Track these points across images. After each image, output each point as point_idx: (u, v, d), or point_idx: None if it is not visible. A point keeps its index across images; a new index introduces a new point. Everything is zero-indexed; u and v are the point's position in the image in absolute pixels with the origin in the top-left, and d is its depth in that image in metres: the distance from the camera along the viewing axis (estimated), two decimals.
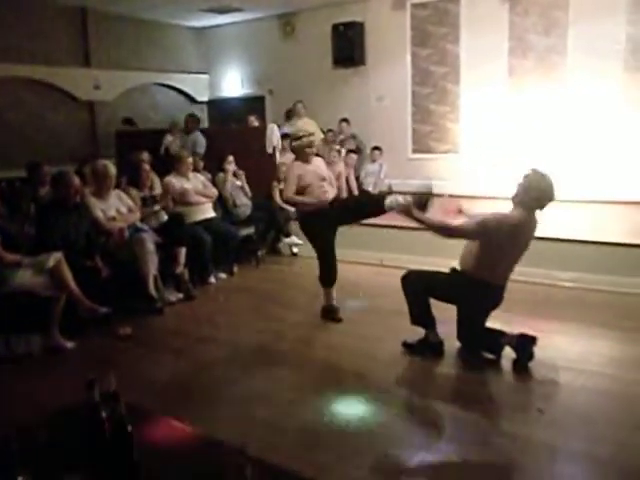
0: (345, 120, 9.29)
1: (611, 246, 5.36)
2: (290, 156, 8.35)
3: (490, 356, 3.85)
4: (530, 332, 3.73)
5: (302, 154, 4.81)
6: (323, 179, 4.80)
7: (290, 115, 8.95)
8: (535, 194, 3.62)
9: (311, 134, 4.89)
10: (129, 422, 1.69)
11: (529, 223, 3.70)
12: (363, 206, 4.92)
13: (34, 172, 5.71)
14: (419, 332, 3.98)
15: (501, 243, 3.62)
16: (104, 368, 3.61)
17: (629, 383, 3.46)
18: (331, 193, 4.85)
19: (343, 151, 8.59)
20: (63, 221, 4.53)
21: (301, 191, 4.70)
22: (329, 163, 7.98)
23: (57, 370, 3.93)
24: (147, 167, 5.77)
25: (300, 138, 4.81)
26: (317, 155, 7.97)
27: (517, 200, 3.70)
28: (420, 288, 3.88)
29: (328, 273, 4.76)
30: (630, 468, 2.65)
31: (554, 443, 2.87)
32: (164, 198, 5.74)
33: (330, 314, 4.77)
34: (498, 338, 3.79)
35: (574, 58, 7.79)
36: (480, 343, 3.92)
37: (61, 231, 4.47)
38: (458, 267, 3.89)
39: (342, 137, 9.06)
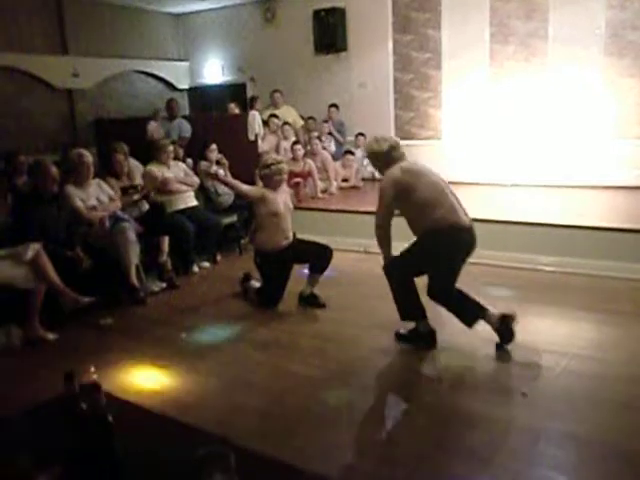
0: (334, 105, 9.20)
1: (593, 230, 5.39)
2: (272, 139, 8.32)
3: (462, 325, 3.78)
4: (508, 312, 3.71)
5: (271, 182, 4.73)
6: (288, 211, 4.81)
7: (253, 103, 8.82)
8: (382, 156, 3.91)
9: (280, 162, 4.77)
10: (110, 412, 1.68)
11: (412, 166, 3.91)
12: (316, 252, 4.80)
13: (11, 162, 5.62)
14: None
15: (407, 188, 3.76)
16: (85, 359, 3.58)
17: (610, 365, 3.50)
18: (290, 238, 4.81)
19: (323, 139, 8.56)
20: (41, 211, 4.46)
21: (266, 218, 4.67)
22: (314, 154, 7.95)
23: (38, 362, 3.88)
24: (120, 157, 5.67)
25: (269, 166, 4.70)
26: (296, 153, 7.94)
27: (382, 169, 3.96)
28: (402, 272, 3.83)
29: (273, 294, 4.74)
30: (612, 448, 2.68)
31: (537, 425, 2.90)
32: (145, 187, 5.67)
33: None
34: (475, 310, 3.74)
35: (555, 43, 7.80)
36: (451, 298, 3.78)
37: (39, 221, 4.41)
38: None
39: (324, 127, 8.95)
